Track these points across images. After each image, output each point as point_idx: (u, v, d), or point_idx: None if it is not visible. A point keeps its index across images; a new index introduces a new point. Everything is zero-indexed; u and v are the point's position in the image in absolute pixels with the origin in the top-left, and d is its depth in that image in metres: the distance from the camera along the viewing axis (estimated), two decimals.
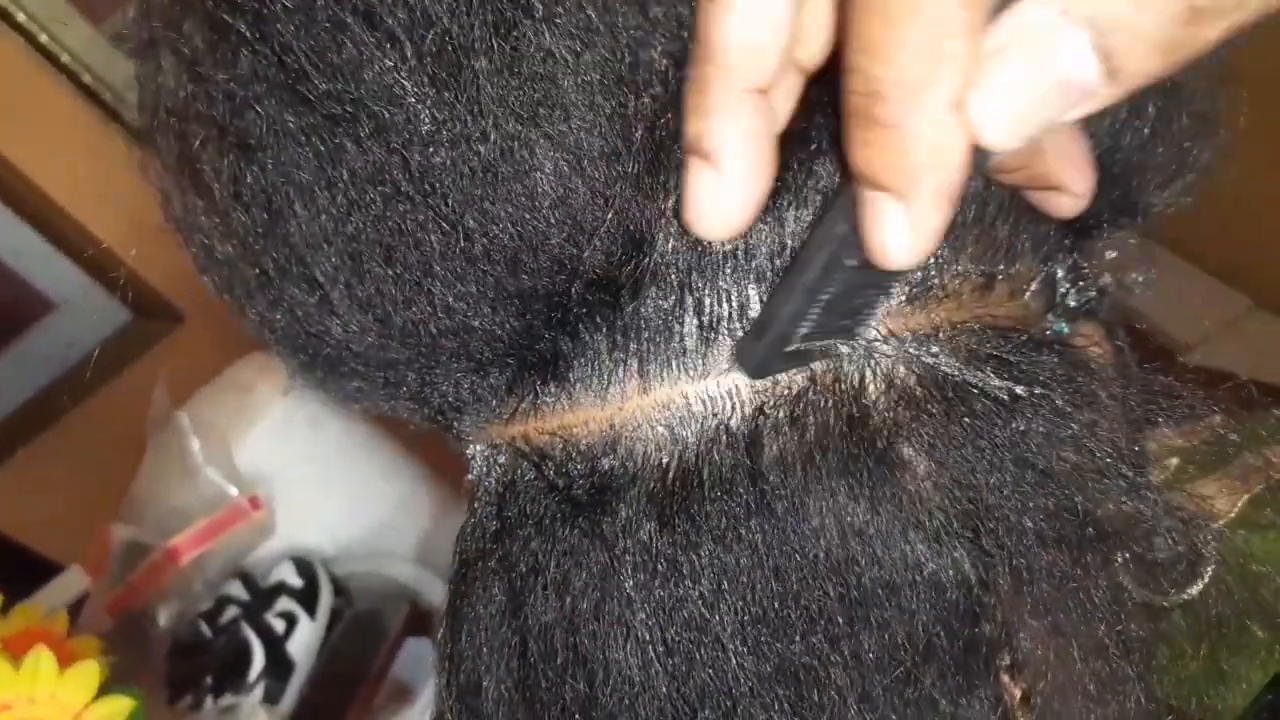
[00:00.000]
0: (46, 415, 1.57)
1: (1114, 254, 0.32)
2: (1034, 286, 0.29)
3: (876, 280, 0.24)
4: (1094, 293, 0.30)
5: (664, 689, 0.26)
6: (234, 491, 0.96)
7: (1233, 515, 0.46)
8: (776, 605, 0.26)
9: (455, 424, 0.30)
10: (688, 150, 0.23)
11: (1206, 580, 0.29)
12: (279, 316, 0.28)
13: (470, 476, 0.31)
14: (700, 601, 0.26)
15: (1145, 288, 0.33)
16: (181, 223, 0.29)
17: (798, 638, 0.26)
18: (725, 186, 0.23)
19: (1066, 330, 0.29)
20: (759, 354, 0.25)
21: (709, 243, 0.25)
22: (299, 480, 1.07)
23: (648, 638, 0.26)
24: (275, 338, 0.29)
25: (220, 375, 1.14)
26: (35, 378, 1.58)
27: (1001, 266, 0.27)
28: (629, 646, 0.27)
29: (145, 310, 1.61)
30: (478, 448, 0.31)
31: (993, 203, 0.27)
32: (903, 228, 0.21)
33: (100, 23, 1.53)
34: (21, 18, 1.48)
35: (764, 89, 0.22)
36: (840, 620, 0.26)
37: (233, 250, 0.28)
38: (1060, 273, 0.30)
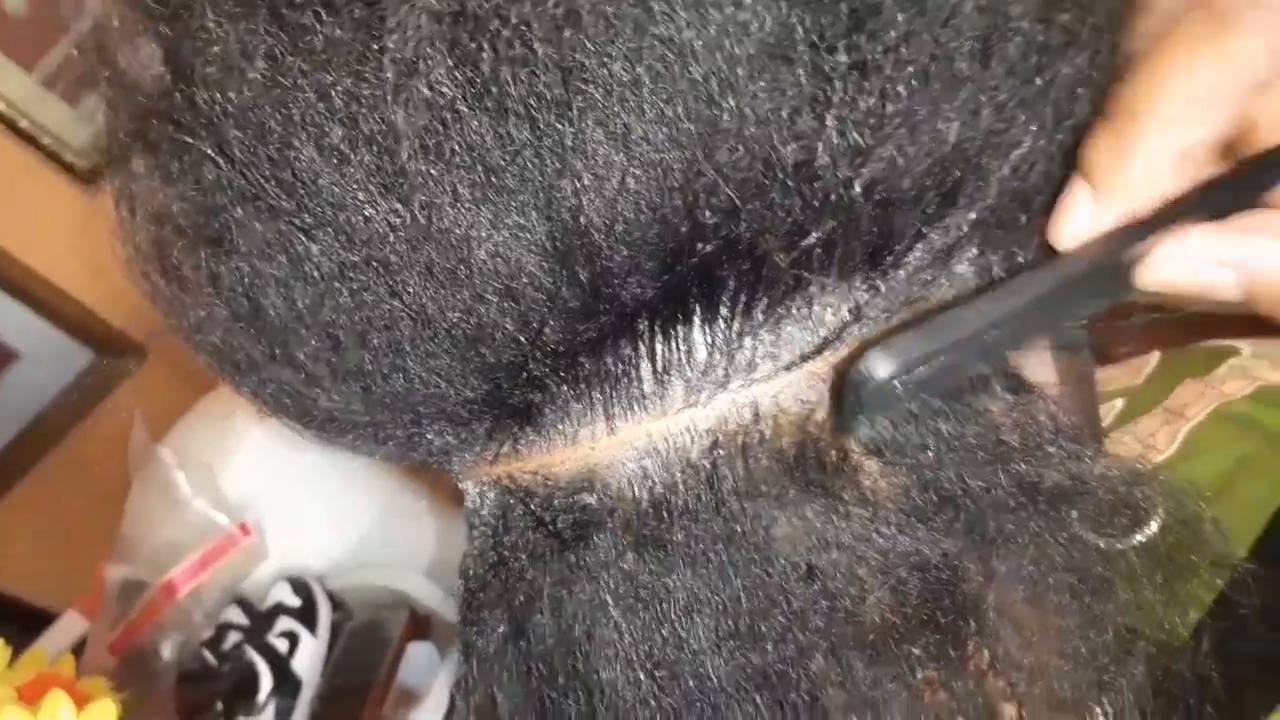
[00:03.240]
0: (21, 465, 1.57)
1: None
2: (972, 279, 0.30)
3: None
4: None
5: (653, 701, 0.29)
6: (224, 520, 0.98)
7: (1174, 450, 0.49)
8: (748, 619, 0.28)
9: (445, 465, 0.33)
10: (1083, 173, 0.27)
11: (1155, 525, 0.31)
12: (270, 392, 0.31)
13: (466, 506, 0.33)
14: (678, 621, 0.28)
15: None
16: (169, 316, 0.31)
17: (769, 647, 0.28)
18: (1098, 212, 0.27)
19: None
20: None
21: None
22: (284, 502, 1.08)
23: (634, 656, 0.29)
24: (270, 408, 0.32)
25: (195, 407, 1.15)
26: (5, 429, 1.57)
27: (933, 272, 0.29)
28: (619, 666, 0.29)
29: (108, 350, 1.61)
30: (469, 483, 0.33)
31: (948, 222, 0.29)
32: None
33: (32, 68, 1.52)
34: None
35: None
36: (812, 624, 0.28)
37: (219, 339, 0.30)
38: (994, 259, 0.31)
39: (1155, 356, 0.58)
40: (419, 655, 1.03)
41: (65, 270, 1.55)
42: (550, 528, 0.30)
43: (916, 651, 0.28)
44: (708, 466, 0.28)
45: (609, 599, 0.29)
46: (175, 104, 0.28)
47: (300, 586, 1.00)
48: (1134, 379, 0.57)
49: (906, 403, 0.28)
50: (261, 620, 0.98)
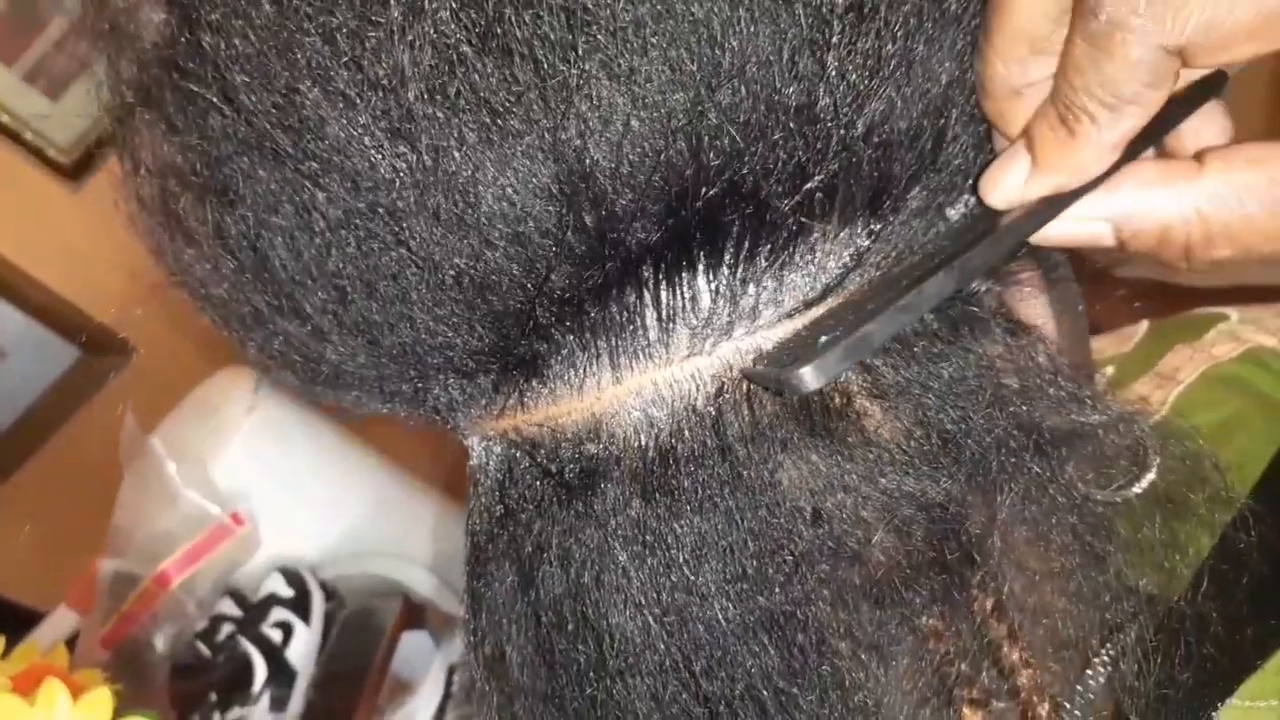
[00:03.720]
0: (8, 464, 1.56)
1: None
2: (960, 221, 0.30)
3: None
4: None
5: (661, 645, 0.29)
6: (216, 510, 0.98)
7: (1165, 412, 0.50)
8: (755, 562, 0.28)
9: (450, 421, 0.33)
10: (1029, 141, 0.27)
11: (1155, 471, 0.32)
12: (276, 346, 0.31)
13: (471, 463, 0.33)
14: (686, 566, 0.29)
15: None
16: (175, 270, 0.31)
17: (776, 589, 0.28)
18: (1034, 183, 0.27)
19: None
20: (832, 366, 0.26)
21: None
22: (274, 493, 1.08)
23: (643, 601, 0.29)
24: (276, 364, 0.32)
25: (183, 401, 1.15)
26: None
27: (936, 219, 0.30)
28: (628, 611, 0.29)
29: (94, 346, 1.60)
30: (474, 439, 0.33)
31: (939, 167, 0.29)
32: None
33: (12, 63, 1.51)
34: None
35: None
36: (818, 567, 0.28)
37: (225, 292, 0.30)
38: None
39: (1144, 325, 0.58)
40: (414, 644, 1.03)
41: (49, 267, 1.54)
42: (557, 478, 0.30)
43: (922, 593, 0.28)
44: (713, 413, 0.29)
45: (617, 546, 0.29)
46: (179, 51, 0.28)
47: (293, 577, 1.00)
48: (1123, 347, 0.57)
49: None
50: (255, 611, 0.98)
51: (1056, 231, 0.28)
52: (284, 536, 1.07)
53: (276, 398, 1.09)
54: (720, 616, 0.29)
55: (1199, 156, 0.26)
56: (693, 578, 0.29)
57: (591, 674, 0.30)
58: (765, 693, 0.29)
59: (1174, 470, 0.30)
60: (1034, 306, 0.32)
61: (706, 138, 0.25)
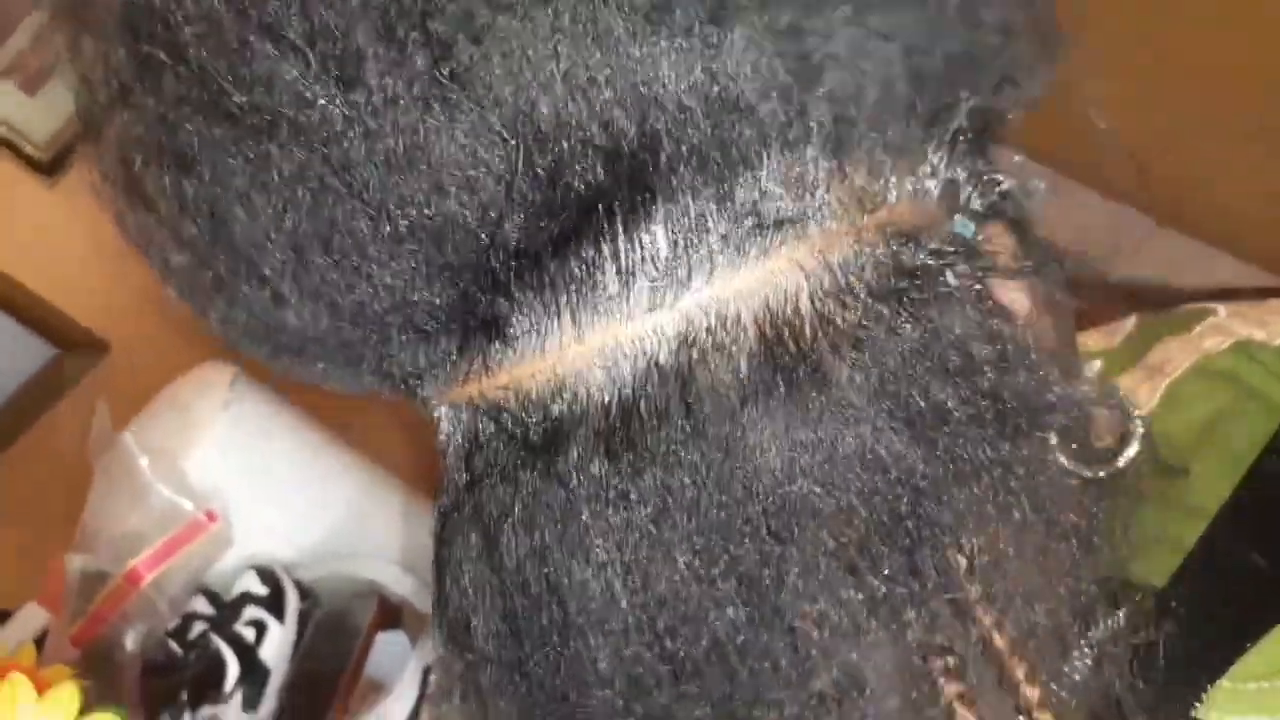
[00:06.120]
0: None
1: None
2: (936, 191, 0.31)
3: None
4: (996, 195, 0.33)
5: (625, 603, 0.29)
6: (189, 506, 0.96)
7: (1154, 404, 0.49)
8: (723, 515, 0.28)
9: (418, 391, 0.33)
10: None
11: (1134, 452, 0.32)
12: (238, 314, 0.31)
13: (440, 437, 0.33)
14: (650, 522, 0.29)
15: (1048, 195, 0.36)
16: (137, 239, 0.32)
17: (741, 544, 0.28)
18: None
19: (973, 231, 0.32)
20: None
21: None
22: (250, 491, 1.07)
23: (605, 559, 0.29)
24: (238, 335, 0.32)
25: (157, 397, 1.13)
26: None
27: (895, 177, 0.30)
28: (591, 570, 0.29)
29: (69, 344, 1.59)
30: (442, 410, 0.33)
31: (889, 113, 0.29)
32: None
33: None
34: None
35: None
36: (783, 526, 0.28)
37: (186, 259, 0.31)
38: (962, 176, 0.32)
39: (1132, 319, 0.58)
40: (389, 644, 1.02)
41: (24, 263, 1.53)
42: (522, 441, 0.30)
43: (891, 557, 0.28)
44: (675, 369, 0.29)
45: (580, 504, 0.29)
46: (132, 12, 0.28)
47: (267, 575, 0.99)
48: (1111, 341, 0.57)
49: None
50: (228, 610, 0.97)
51: None
52: (259, 535, 1.06)
53: (253, 394, 1.08)
54: (684, 573, 0.28)
55: None
56: (656, 532, 0.29)
57: (555, 636, 0.30)
58: (731, 650, 0.29)
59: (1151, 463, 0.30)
60: (1021, 301, 0.32)
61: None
